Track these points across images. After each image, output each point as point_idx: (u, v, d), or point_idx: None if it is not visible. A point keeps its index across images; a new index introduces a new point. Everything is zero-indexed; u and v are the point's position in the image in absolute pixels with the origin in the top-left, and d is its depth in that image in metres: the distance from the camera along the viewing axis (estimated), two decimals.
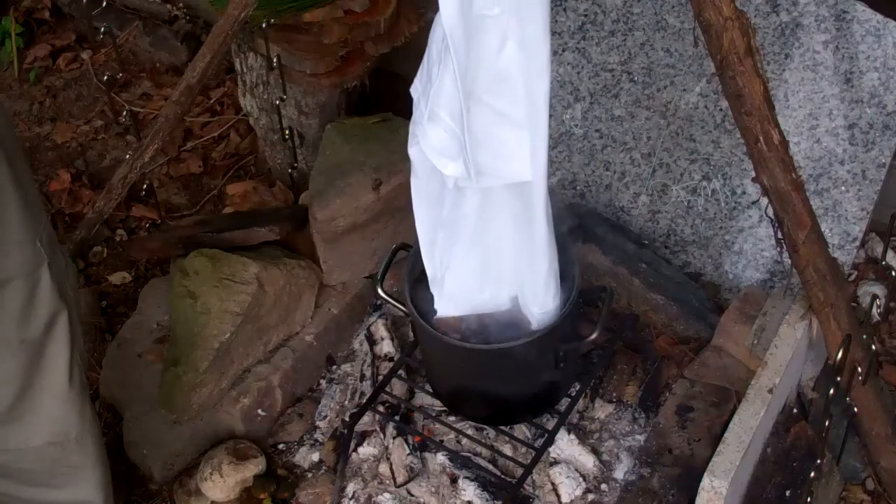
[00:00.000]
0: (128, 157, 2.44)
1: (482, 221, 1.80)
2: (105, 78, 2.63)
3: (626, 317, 2.29)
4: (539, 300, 1.89)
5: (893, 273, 2.07)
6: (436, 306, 1.94)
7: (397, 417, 2.18)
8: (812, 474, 1.85)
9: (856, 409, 1.96)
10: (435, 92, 1.62)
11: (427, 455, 2.14)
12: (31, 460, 1.72)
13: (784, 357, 1.91)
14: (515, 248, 1.84)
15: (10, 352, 1.60)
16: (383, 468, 2.13)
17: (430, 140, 1.67)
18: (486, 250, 1.86)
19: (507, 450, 2.12)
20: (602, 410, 2.19)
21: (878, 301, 2.33)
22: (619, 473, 2.08)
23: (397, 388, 2.24)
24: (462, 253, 1.86)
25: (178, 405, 2.18)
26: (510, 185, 1.72)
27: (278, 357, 2.31)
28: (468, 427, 2.16)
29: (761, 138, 1.64)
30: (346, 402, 2.30)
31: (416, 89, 1.71)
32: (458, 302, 1.93)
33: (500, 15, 1.53)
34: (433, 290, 1.94)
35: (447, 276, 1.90)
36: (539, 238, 1.79)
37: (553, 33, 2.35)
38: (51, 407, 1.68)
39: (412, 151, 1.75)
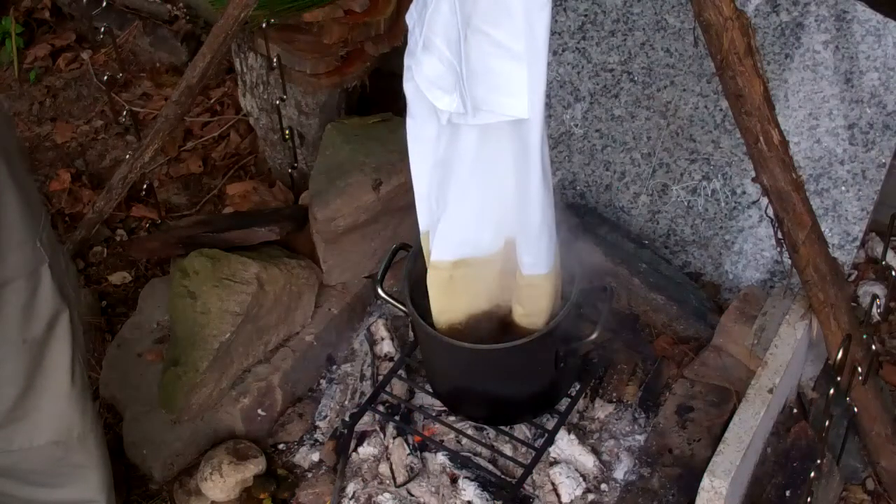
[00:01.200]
0: (128, 157, 2.45)
1: (478, 161, 1.73)
2: (105, 78, 2.63)
3: (626, 317, 2.29)
4: (531, 248, 1.81)
5: (893, 273, 2.08)
6: (431, 251, 1.87)
7: (397, 417, 2.18)
8: (812, 474, 1.85)
9: (856, 409, 1.96)
10: (430, 18, 1.56)
11: (427, 455, 2.14)
12: (34, 460, 1.72)
13: (784, 357, 1.91)
14: (511, 189, 1.76)
15: (13, 352, 1.60)
16: (383, 468, 2.13)
17: (424, 70, 1.61)
18: (483, 191, 1.78)
19: (507, 450, 2.12)
20: (602, 410, 2.19)
21: (878, 301, 2.33)
22: (619, 473, 2.08)
23: (397, 388, 2.24)
24: (458, 193, 1.78)
25: (178, 405, 2.18)
26: (507, 124, 1.65)
27: (278, 357, 2.31)
28: (468, 427, 2.16)
29: (761, 138, 1.64)
30: (346, 402, 2.30)
31: (411, 16, 1.64)
32: (453, 245, 1.85)
33: None
34: (430, 238, 1.86)
35: (442, 218, 1.82)
36: (534, 182, 1.71)
37: (553, 33, 2.35)
38: (53, 406, 1.68)
39: (407, 87, 1.68)
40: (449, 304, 1.94)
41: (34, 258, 1.58)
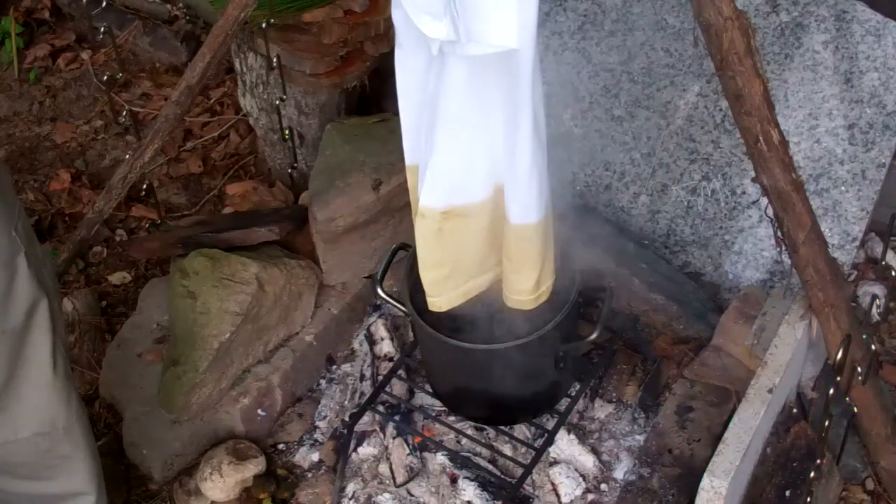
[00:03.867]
0: (128, 157, 2.44)
1: (467, 97, 1.63)
2: (105, 78, 2.62)
3: (626, 317, 2.29)
4: (520, 195, 1.73)
5: (893, 273, 2.08)
6: (420, 197, 1.77)
7: (397, 417, 2.18)
8: (812, 474, 1.85)
9: (856, 409, 1.96)
10: None
11: (427, 455, 2.14)
12: (20, 453, 1.71)
13: (784, 357, 1.91)
14: (500, 129, 1.67)
15: None
16: (383, 468, 2.13)
17: None
18: (472, 131, 1.68)
19: (507, 450, 2.12)
20: (602, 410, 2.19)
21: (878, 301, 2.33)
22: (619, 473, 2.08)
23: (397, 388, 2.24)
24: (446, 133, 1.68)
25: (177, 405, 2.18)
26: (497, 56, 1.53)
27: (278, 357, 2.31)
28: (468, 427, 2.16)
29: (761, 138, 1.64)
30: (346, 402, 2.30)
31: None
32: (442, 192, 1.76)
33: None
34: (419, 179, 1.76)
35: (430, 161, 1.72)
36: (523, 120, 1.62)
37: (553, 33, 2.35)
38: (36, 397, 1.67)
39: (395, 14, 1.60)
40: (436, 259, 1.86)
41: (9, 248, 1.56)
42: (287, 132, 2.56)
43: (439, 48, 1.56)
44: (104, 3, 2.58)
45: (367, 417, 2.20)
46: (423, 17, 1.52)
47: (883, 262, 2.33)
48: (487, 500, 2.05)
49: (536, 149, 1.68)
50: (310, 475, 2.20)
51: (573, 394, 2.15)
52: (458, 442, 2.17)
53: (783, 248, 1.81)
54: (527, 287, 1.88)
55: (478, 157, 1.73)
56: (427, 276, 1.88)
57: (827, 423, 1.80)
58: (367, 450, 2.18)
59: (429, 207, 1.77)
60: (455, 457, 2.12)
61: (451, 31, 1.51)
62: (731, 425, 1.84)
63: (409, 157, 1.83)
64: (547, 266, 1.89)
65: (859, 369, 1.84)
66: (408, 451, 2.11)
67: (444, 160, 1.72)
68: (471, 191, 1.77)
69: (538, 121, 1.66)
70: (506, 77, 1.60)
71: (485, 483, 2.06)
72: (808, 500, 1.87)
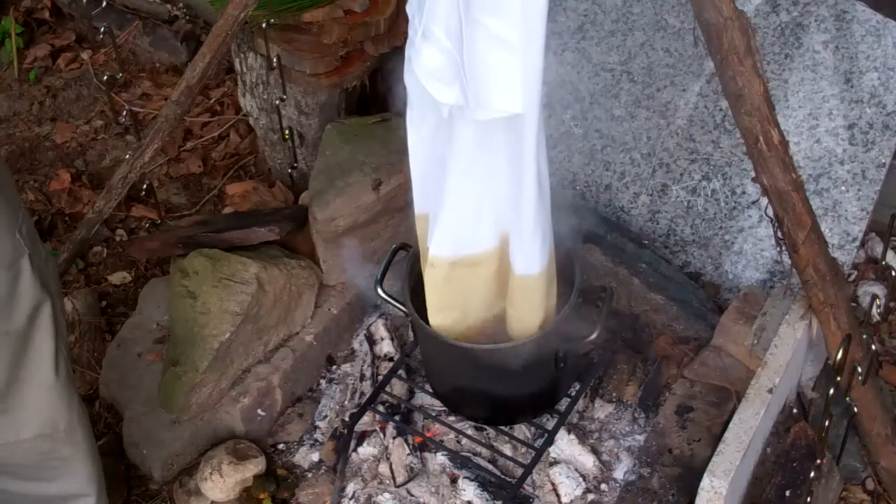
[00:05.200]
0: (128, 157, 2.44)
1: (475, 156, 1.71)
2: (105, 78, 2.62)
3: (626, 317, 2.29)
4: (524, 248, 1.80)
5: (893, 273, 2.08)
6: (430, 246, 1.85)
7: (397, 417, 2.18)
8: (812, 474, 1.85)
9: (856, 409, 1.96)
10: (430, 7, 1.54)
11: (427, 455, 2.14)
12: (22, 454, 1.72)
13: (784, 357, 1.91)
14: (506, 185, 1.74)
15: None
16: (383, 468, 2.13)
17: (424, 61, 1.59)
18: (480, 187, 1.76)
19: (507, 450, 2.12)
20: (602, 410, 2.19)
21: (878, 301, 2.33)
22: (619, 473, 2.08)
23: (397, 388, 2.24)
24: (455, 189, 1.76)
25: (177, 405, 2.18)
26: (504, 118, 1.61)
27: (278, 357, 2.31)
28: (468, 427, 2.16)
29: (761, 138, 1.64)
30: (346, 402, 2.30)
31: (411, 6, 1.62)
32: (451, 243, 1.83)
33: None
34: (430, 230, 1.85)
35: (440, 215, 1.80)
36: (527, 179, 1.69)
37: (553, 33, 2.35)
38: (38, 398, 1.68)
39: (408, 78, 1.66)
40: (445, 304, 1.93)
41: (13, 250, 1.57)
42: (287, 132, 2.56)
43: (449, 111, 1.64)
44: (104, 3, 2.59)
45: (367, 417, 2.20)
46: (433, 83, 1.60)
47: (883, 262, 2.33)
48: (487, 500, 2.05)
49: (539, 204, 1.74)
50: (310, 475, 2.20)
51: (573, 394, 2.15)
52: (458, 442, 2.17)
53: (783, 248, 1.81)
54: (530, 330, 1.94)
55: (485, 210, 1.80)
56: (435, 318, 1.95)
57: (827, 423, 1.80)
58: (367, 450, 2.18)
59: (438, 257, 1.85)
60: (455, 457, 2.12)
61: (459, 97, 1.59)
62: (731, 425, 1.84)
63: (419, 207, 1.90)
64: (549, 309, 1.95)
65: (859, 369, 1.84)
66: (408, 451, 2.11)
67: (453, 213, 1.80)
68: (478, 241, 1.85)
69: (541, 177, 1.72)
70: (511, 137, 1.67)
71: (485, 483, 2.06)
72: (808, 500, 1.87)
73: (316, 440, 2.25)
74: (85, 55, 3.41)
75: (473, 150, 1.71)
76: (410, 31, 1.62)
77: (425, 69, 1.60)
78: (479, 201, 1.79)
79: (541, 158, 1.69)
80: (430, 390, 2.20)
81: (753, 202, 2.23)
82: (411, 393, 2.26)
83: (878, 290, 2.39)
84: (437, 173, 1.79)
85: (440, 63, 1.58)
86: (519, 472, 2.05)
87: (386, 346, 2.33)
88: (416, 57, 1.61)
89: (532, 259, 1.82)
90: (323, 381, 2.37)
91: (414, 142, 1.79)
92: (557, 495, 2.05)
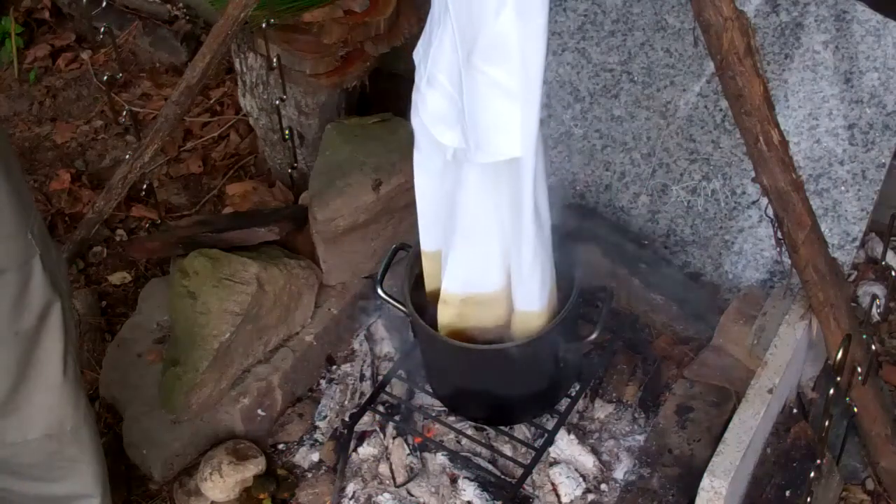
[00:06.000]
0: (128, 157, 2.44)
1: (481, 198, 1.77)
2: (105, 78, 2.62)
3: (626, 317, 2.29)
4: (524, 285, 1.85)
5: (893, 273, 2.08)
6: (443, 280, 1.91)
7: (397, 417, 2.18)
8: (812, 474, 1.85)
9: (856, 409, 1.96)
10: (434, 55, 1.58)
11: (427, 455, 2.14)
12: (28, 454, 1.72)
13: (784, 357, 1.91)
14: (509, 225, 1.80)
15: (4, 344, 1.59)
16: (383, 468, 2.13)
17: (428, 106, 1.64)
18: (487, 226, 1.81)
19: (506, 450, 2.12)
20: (602, 410, 2.19)
21: (878, 301, 2.33)
22: (619, 473, 2.08)
23: (397, 388, 2.24)
24: (464, 229, 1.82)
25: (177, 405, 2.18)
26: (503, 161, 1.67)
27: (278, 357, 2.31)
28: (468, 427, 2.16)
29: (761, 138, 1.64)
30: (346, 402, 2.30)
31: (417, 53, 1.67)
32: (462, 281, 1.89)
33: None
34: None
35: (450, 255, 1.86)
36: (526, 219, 1.74)
37: (553, 33, 2.35)
38: (46, 399, 1.68)
39: (414, 122, 1.72)
40: (458, 332, 1.97)
41: (25, 250, 1.57)
42: (287, 132, 2.56)
43: (454, 154, 1.69)
44: (104, 3, 2.59)
45: (367, 417, 2.20)
46: (438, 125, 1.66)
47: (883, 262, 2.33)
48: (487, 500, 2.05)
49: (538, 244, 1.79)
50: (310, 475, 2.20)
51: (573, 394, 2.15)
52: (458, 442, 2.17)
53: (783, 248, 1.81)
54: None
55: (493, 250, 1.85)
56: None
57: (827, 423, 1.79)
58: (367, 450, 2.18)
59: (451, 294, 1.91)
60: (455, 457, 2.12)
61: (462, 140, 1.64)
62: (731, 425, 1.84)
63: (427, 244, 1.95)
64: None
65: (859, 369, 1.84)
66: (408, 452, 2.11)
67: (463, 252, 1.85)
68: (488, 281, 1.89)
69: (541, 217, 1.77)
70: (511, 179, 1.71)
71: (485, 483, 2.06)
72: (808, 500, 1.87)
73: (316, 440, 2.25)
74: (85, 55, 3.41)
75: (478, 191, 1.75)
76: (417, 78, 1.68)
77: (430, 113, 1.65)
78: (488, 241, 1.84)
79: (539, 198, 1.74)
80: (430, 390, 2.20)
81: (753, 202, 2.23)
82: (411, 393, 2.26)
83: (878, 290, 2.39)
84: (446, 213, 1.84)
85: (444, 107, 1.63)
86: (519, 472, 2.05)
87: (386, 346, 2.33)
88: (421, 103, 1.66)
89: (532, 296, 1.87)
90: (323, 382, 2.37)
91: (421, 183, 1.84)
92: (557, 495, 2.05)
